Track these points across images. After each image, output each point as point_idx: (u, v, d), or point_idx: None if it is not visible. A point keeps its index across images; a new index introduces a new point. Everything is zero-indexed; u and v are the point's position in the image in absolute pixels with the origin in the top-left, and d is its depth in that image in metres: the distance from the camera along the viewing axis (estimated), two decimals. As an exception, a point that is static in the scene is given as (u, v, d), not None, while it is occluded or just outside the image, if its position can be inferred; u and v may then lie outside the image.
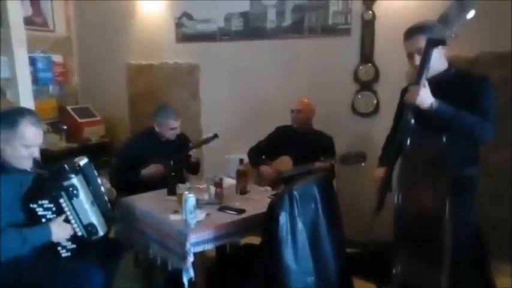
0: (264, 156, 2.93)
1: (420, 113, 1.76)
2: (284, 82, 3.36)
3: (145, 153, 2.77)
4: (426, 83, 1.74)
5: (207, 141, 2.76)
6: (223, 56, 3.62)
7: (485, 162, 2.47)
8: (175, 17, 3.80)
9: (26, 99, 3.24)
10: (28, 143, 1.74)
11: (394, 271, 1.67)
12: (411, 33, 1.88)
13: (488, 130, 1.72)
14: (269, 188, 2.50)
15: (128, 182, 2.64)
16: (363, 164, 2.45)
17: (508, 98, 2.55)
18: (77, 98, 4.50)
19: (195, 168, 2.94)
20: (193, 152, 2.81)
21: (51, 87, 4.18)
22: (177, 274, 2.11)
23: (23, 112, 1.79)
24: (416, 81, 1.75)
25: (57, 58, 4.23)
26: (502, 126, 2.54)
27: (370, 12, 2.97)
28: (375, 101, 3.08)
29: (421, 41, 1.79)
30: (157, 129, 2.84)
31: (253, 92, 3.53)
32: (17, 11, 3.14)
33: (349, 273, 2.04)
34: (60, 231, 1.82)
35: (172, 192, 2.37)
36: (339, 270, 1.85)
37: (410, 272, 1.64)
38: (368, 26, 2.99)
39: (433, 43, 1.71)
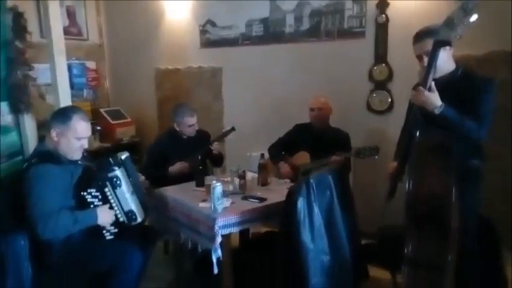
0: (283, 152, 3.12)
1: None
2: (302, 83, 3.54)
3: (170, 152, 2.99)
4: (433, 84, 1.88)
5: (225, 134, 2.97)
6: (244, 60, 3.84)
7: (494, 155, 2.62)
8: (200, 24, 4.06)
9: (65, 103, 3.54)
10: (80, 135, 2.01)
11: (405, 250, 1.84)
12: (419, 36, 2.04)
13: (483, 134, 1.89)
14: (288, 180, 2.70)
15: (157, 178, 2.88)
16: (376, 157, 2.58)
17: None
18: (109, 101, 4.81)
19: (218, 160, 3.15)
20: (215, 146, 3.01)
21: (85, 92, 4.50)
22: (205, 257, 2.36)
23: (74, 109, 2.07)
24: (423, 82, 1.90)
25: (91, 64, 4.56)
26: (506, 122, 2.68)
27: (384, 15, 3.13)
28: (389, 99, 3.23)
29: (429, 44, 1.94)
30: (177, 129, 3.06)
31: (272, 92, 3.73)
32: (58, 23, 3.45)
33: (363, 257, 2.21)
34: (105, 217, 2.06)
35: (200, 184, 2.59)
36: (352, 251, 2.03)
37: (420, 250, 1.80)
38: (382, 28, 3.16)
39: (439, 44, 1.87)
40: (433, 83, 1.89)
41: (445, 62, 1.98)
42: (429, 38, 1.96)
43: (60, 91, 3.49)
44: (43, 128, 2.36)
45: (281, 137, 3.18)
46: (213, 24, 3.98)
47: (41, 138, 2.17)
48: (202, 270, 2.72)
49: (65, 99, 3.53)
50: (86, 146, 2.07)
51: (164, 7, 4.22)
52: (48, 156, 1.99)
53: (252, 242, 2.67)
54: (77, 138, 2.01)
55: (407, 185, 1.92)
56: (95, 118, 4.40)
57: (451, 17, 1.84)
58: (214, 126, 3.90)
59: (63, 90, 3.53)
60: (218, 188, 2.06)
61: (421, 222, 1.87)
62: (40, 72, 4.09)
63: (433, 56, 1.89)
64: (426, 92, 1.87)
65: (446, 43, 1.89)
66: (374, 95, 3.29)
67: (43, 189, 1.89)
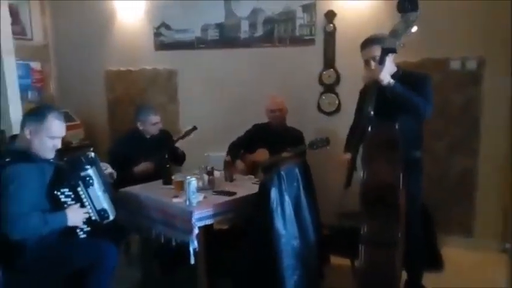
0: (242, 151, 3.29)
1: (378, 107, 2.21)
2: (257, 86, 3.73)
3: (134, 152, 3.05)
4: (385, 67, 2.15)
5: (188, 133, 3.08)
6: (200, 63, 3.96)
7: (430, 149, 3.02)
8: (154, 27, 4.10)
9: (15, 104, 3.41)
10: (53, 134, 2.01)
11: (362, 231, 2.10)
12: (367, 43, 2.34)
13: (429, 109, 2.20)
14: (252, 176, 2.88)
15: (122, 179, 2.91)
16: (327, 148, 2.81)
17: (443, 96, 3.10)
18: (54, 103, 4.64)
19: (180, 159, 3.25)
20: (177, 145, 3.11)
21: (30, 93, 4.31)
22: (173, 256, 2.47)
23: (49, 108, 2.06)
24: (379, 63, 2.16)
25: (35, 65, 4.39)
26: (441, 119, 3.11)
27: (331, 25, 3.44)
28: (337, 101, 3.55)
29: (375, 50, 2.24)
30: (140, 128, 3.13)
31: (229, 94, 3.88)
32: (6, 22, 3.33)
33: (324, 245, 2.44)
34: (75, 217, 2.07)
35: (167, 182, 2.67)
36: (316, 235, 2.26)
37: (374, 230, 2.07)
38: (330, 36, 3.47)
39: (386, 51, 2.17)
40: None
41: (389, 65, 2.28)
42: (376, 45, 2.26)
43: (9, 92, 3.38)
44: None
45: (240, 136, 3.35)
46: (168, 27, 4.05)
47: (12, 138, 2.12)
48: (169, 270, 2.82)
49: (14, 100, 3.41)
50: (59, 145, 2.06)
51: (115, 8, 4.19)
52: (20, 155, 1.97)
53: (217, 237, 2.80)
54: (50, 137, 2.00)
55: (361, 175, 2.19)
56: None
57: (395, 28, 2.15)
58: (170, 127, 3.93)
59: (13, 91, 3.41)
60: (193, 182, 2.18)
61: (375, 206, 2.15)
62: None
63: (381, 61, 2.19)
64: (383, 69, 2.13)
65: (392, 50, 2.20)
66: (323, 97, 3.59)
67: (15, 189, 1.87)
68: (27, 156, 1.97)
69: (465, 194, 3.22)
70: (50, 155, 2.05)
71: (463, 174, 3.22)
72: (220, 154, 3.55)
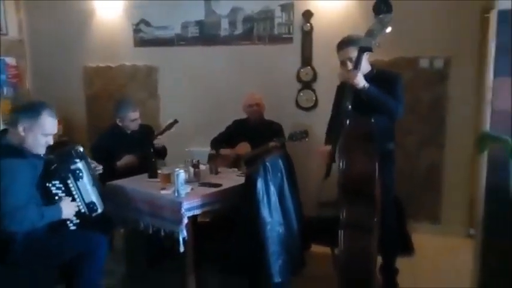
0: (224, 145, 3.38)
1: (355, 102, 2.36)
2: (237, 82, 3.84)
3: (115, 147, 3.08)
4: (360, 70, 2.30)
5: (169, 126, 3.11)
6: (181, 59, 4.02)
7: (401, 144, 3.21)
8: (133, 23, 4.12)
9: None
10: (47, 131, 2.05)
11: (341, 217, 2.24)
12: (343, 44, 2.46)
13: (400, 109, 2.36)
14: (236, 169, 2.98)
15: (105, 173, 2.94)
16: (306, 139, 2.96)
17: (413, 93, 3.30)
18: (30, 100, 4.57)
19: (162, 153, 3.30)
20: (159, 139, 3.15)
21: (5, 89, 4.24)
22: (159, 250, 2.54)
23: (43, 105, 2.09)
24: (353, 68, 2.30)
25: (10, 60, 4.32)
26: (411, 116, 3.31)
27: (309, 24, 3.59)
28: (314, 98, 3.70)
29: (352, 51, 2.37)
30: (120, 124, 3.16)
31: (209, 91, 3.97)
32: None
33: (305, 229, 2.58)
34: (68, 209, 2.12)
35: (153, 175, 2.74)
36: (298, 223, 2.40)
37: (352, 215, 2.21)
38: (307, 35, 3.61)
39: (363, 50, 2.31)
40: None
41: (364, 65, 2.43)
42: (352, 46, 2.40)
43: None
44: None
45: (222, 131, 3.44)
46: (147, 23, 4.08)
47: (2, 133, 2.13)
48: (155, 262, 2.88)
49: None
50: (51, 142, 2.10)
51: (94, 4, 4.19)
52: (12, 150, 1.99)
53: (201, 229, 2.89)
54: (44, 134, 2.04)
55: (340, 165, 2.34)
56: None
57: (372, 28, 2.30)
58: (150, 123, 3.97)
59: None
60: (182, 174, 2.27)
61: (353, 194, 2.30)
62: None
63: (357, 59, 2.33)
64: (358, 73, 2.27)
65: (368, 49, 2.35)
66: (301, 94, 3.73)
67: (10, 183, 1.90)
68: (19, 151, 2.00)
69: (433, 185, 3.44)
70: (42, 151, 2.09)
71: (431, 167, 3.44)
72: (201, 149, 3.65)
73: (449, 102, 3.33)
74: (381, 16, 2.25)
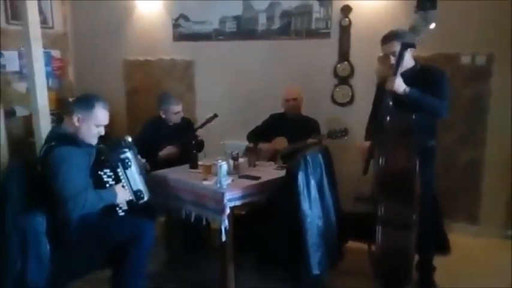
0: (260, 138, 3.42)
1: (396, 98, 2.36)
2: (273, 77, 3.87)
3: (157, 138, 3.20)
4: (399, 75, 2.34)
5: (209, 120, 3.19)
6: (218, 54, 4.09)
7: (440, 140, 3.17)
8: (173, 18, 4.23)
9: (41, 91, 3.53)
10: (100, 123, 2.18)
11: (379, 213, 2.26)
12: (387, 39, 2.46)
13: (445, 109, 2.34)
14: (272, 163, 3.03)
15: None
16: (345, 138, 2.97)
17: (453, 89, 3.22)
18: (73, 91, 4.77)
19: (200, 145, 3.40)
20: (198, 132, 3.25)
21: (50, 81, 4.44)
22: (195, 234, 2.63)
23: (97, 97, 2.21)
24: (393, 74, 2.34)
25: (56, 53, 4.52)
26: (450, 112, 3.24)
27: (347, 19, 3.58)
28: (350, 93, 3.70)
29: (395, 45, 2.37)
30: (163, 116, 3.27)
31: (245, 85, 4.03)
32: (35, 10, 3.45)
33: (343, 223, 2.60)
34: (122, 194, 2.24)
35: (194, 166, 2.83)
36: (337, 217, 2.43)
37: (391, 212, 2.23)
38: (345, 30, 3.61)
39: (405, 46, 2.31)
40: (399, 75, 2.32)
41: (408, 60, 2.42)
42: (396, 41, 2.39)
43: (36, 79, 3.50)
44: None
45: (258, 125, 3.49)
46: (186, 18, 4.17)
47: (58, 121, 2.27)
48: (195, 247, 2.98)
49: (41, 87, 3.54)
50: (103, 133, 2.23)
51: (135, 0, 4.32)
52: (67, 138, 2.12)
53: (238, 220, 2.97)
54: (96, 125, 2.17)
55: (380, 161, 2.35)
56: (61, 108, 4.37)
57: (415, 24, 2.29)
58: (187, 116, 4.09)
59: (40, 78, 3.53)
60: (224, 166, 2.34)
61: (392, 190, 2.31)
62: (7, 60, 4.02)
63: (400, 56, 2.33)
64: (396, 79, 2.29)
65: (411, 45, 2.34)
66: (337, 89, 3.73)
67: (68, 170, 2.02)
68: (74, 140, 2.13)
69: (471, 183, 3.38)
70: (94, 140, 2.21)
71: (470, 165, 3.38)
72: (236, 143, 3.72)
73: (491, 99, 3.26)
74: (425, 12, 2.24)
